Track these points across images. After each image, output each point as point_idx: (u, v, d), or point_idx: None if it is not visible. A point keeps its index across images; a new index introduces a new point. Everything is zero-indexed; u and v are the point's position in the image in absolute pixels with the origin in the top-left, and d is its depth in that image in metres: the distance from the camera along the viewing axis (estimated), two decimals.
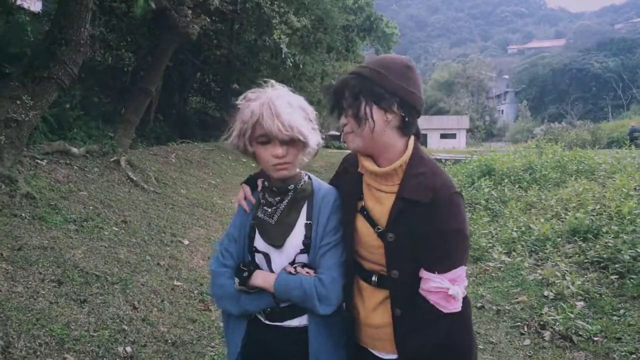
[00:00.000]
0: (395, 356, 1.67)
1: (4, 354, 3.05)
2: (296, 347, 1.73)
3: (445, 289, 1.52)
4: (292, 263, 1.76)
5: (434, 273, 1.54)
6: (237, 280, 1.75)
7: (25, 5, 8.22)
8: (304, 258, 1.77)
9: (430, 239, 1.55)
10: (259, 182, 1.87)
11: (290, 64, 13.37)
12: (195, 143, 12.42)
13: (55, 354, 3.22)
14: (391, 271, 1.61)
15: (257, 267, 1.78)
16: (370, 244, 1.67)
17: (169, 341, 3.82)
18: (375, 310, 1.69)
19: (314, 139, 1.72)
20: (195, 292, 4.85)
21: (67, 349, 3.31)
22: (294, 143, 1.68)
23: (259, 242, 1.80)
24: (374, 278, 1.69)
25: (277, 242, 1.77)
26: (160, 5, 8.49)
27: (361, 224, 1.69)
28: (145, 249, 5.42)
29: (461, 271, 1.56)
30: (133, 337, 3.72)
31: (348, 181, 1.79)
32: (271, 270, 1.78)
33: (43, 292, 3.80)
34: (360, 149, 1.67)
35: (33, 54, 6.16)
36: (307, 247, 1.76)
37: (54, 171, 6.34)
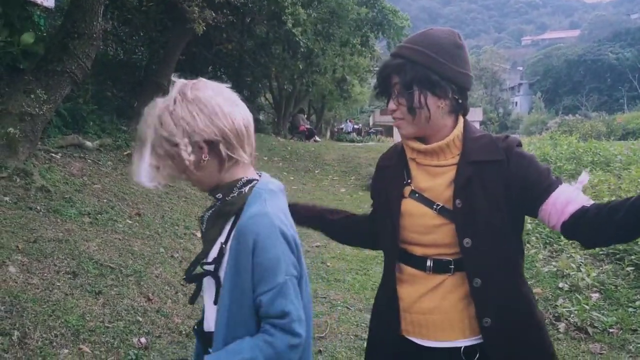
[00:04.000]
0: (437, 344, 1.61)
1: (20, 344, 3.08)
2: None
3: (577, 187, 1.53)
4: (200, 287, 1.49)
5: (561, 184, 1.53)
6: None
7: (39, 1, 8.26)
8: (210, 284, 1.43)
9: (532, 170, 1.54)
10: None
11: (301, 56, 13.31)
12: None
13: (71, 345, 3.25)
14: (463, 240, 1.55)
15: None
16: (427, 224, 1.60)
17: (183, 332, 3.84)
18: (425, 295, 1.62)
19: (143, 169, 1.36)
20: None
21: (83, 339, 3.34)
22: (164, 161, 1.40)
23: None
24: (428, 263, 1.61)
25: (201, 257, 1.46)
26: None
27: (414, 207, 1.62)
28: (159, 241, 5.45)
29: None
30: (147, 328, 3.75)
31: (389, 174, 1.73)
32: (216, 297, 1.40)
33: (58, 284, 3.83)
34: (412, 135, 1.63)
35: (46, 48, 6.19)
36: (214, 271, 1.41)
37: (68, 164, 6.39)
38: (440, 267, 1.59)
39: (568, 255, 5.37)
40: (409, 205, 1.62)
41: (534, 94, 72.07)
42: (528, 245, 6.07)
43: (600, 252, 5.34)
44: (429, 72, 1.53)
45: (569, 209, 1.48)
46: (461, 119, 1.63)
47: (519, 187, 1.53)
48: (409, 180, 1.65)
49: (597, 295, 4.55)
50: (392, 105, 1.60)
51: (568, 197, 1.49)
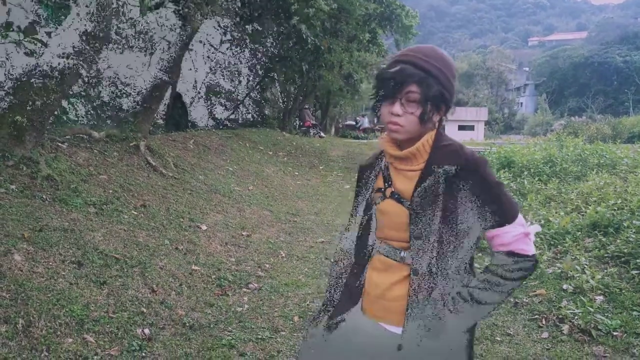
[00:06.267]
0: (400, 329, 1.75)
1: (25, 332, 3.09)
2: None
3: (525, 232, 1.67)
4: None
5: (509, 224, 1.66)
6: None
7: None
8: None
9: (487, 196, 1.66)
10: None
11: (311, 47, 13.23)
12: (214, 130, 12.45)
13: (75, 334, 3.26)
14: (414, 232, 1.70)
15: None
16: (402, 221, 1.74)
17: (187, 324, 3.85)
18: (396, 284, 1.77)
19: None
20: (213, 276, 4.88)
21: (87, 329, 3.35)
22: None
23: None
24: (402, 254, 1.76)
25: None
26: None
27: (392, 206, 1.78)
28: (164, 233, 5.46)
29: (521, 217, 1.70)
30: (151, 319, 3.76)
31: (372, 176, 1.88)
32: None
33: (63, 273, 3.84)
34: (403, 139, 1.74)
35: None
36: None
37: (75, 154, 6.39)
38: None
39: (572, 257, 5.35)
40: (388, 205, 1.79)
41: (540, 95, 71.70)
42: None
43: (605, 255, 5.32)
44: (444, 90, 1.67)
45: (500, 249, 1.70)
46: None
47: (473, 201, 1.67)
48: (390, 183, 1.80)
49: (601, 297, 4.53)
50: (398, 109, 1.67)
51: (504, 241, 1.69)
